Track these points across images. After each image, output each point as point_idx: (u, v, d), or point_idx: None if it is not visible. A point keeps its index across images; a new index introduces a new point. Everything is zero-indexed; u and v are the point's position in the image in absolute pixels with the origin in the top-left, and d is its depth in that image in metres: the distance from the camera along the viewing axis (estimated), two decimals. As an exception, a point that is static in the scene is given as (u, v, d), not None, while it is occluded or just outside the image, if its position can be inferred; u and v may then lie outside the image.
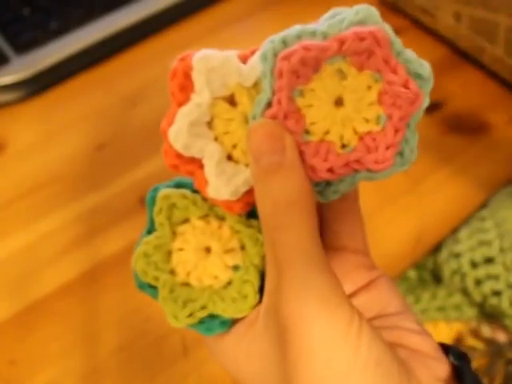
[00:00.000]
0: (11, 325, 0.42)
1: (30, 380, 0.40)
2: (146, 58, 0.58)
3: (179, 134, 0.21)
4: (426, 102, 0.21)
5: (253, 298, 0.23)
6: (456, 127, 0.52)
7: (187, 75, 0.21)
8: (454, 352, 0.22)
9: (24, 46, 0.57)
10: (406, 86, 0.20)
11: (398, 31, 0.19)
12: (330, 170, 0.21)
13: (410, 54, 0.20)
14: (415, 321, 0.23)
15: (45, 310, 0.43)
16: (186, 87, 0.21)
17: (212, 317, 0.23)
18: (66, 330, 0.42)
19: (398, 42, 0.20)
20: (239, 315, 0.23)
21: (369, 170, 0.21)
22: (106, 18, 0.60)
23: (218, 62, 0.21)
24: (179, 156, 0.21)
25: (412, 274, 0.48)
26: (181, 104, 0.21)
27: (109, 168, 0.51)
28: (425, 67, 0.20)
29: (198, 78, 0.21)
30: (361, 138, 0.21)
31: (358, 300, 0.24)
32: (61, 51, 0.57)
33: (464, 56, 0.57)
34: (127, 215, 0.47)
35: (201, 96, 0.21)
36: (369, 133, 0.21)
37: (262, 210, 0.20)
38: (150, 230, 0.24)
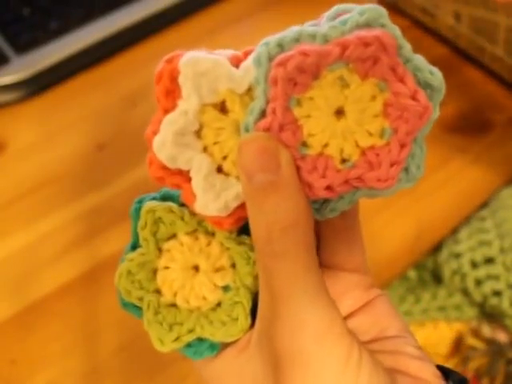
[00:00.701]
0: (11, 325, 0.42)
1: (30, 380, 0.40)
2: (145, 58, 0.58)
3: (163, 144, 0.19)
4: (435, 114, 0.19)
5: (244, 321, 0.21)
6: (456, 127, 0.52)
7: (174, 79, 0.19)
8: (454, 379, 0.21)
9: (24, 46, 0.57)
10: (414, 98, 0.18)
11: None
12: (329, 188, 0.19)
13: (419, 60, 0.19)
14: (415, 345, 0.22)
15: (45, 310, 0.43)
16: (172, 92, 0.19)
17: (200, 340, 0.22)
18: (66, 330, 0.42)
19: (407, 47, 0.18)
20: (229, 339, 0.21)
21: (370, 188, 0.20)
22: (106, 18, 0.60)
23: (207, 66, 0.19)
24: (165, 167, 0.20)
25: (412, 274, 0.48)
26: (167, 111, 0.19)
27: (109, 168, 0.51)
28: (436, 76, 0.19)
29: (184, 84, 0.19)
30: (363, 153, 0.19)
31: (356, 321, 0.23)
32: (61, 51, 0.57)
33: (464, 56, 0.57)
34: (127, 215, 0.47)
35: (188, 103, 0.19)
36: (372, 147, 0.19)
37: (255, 232, 0.19)
38: (135, 245, 0.22)
